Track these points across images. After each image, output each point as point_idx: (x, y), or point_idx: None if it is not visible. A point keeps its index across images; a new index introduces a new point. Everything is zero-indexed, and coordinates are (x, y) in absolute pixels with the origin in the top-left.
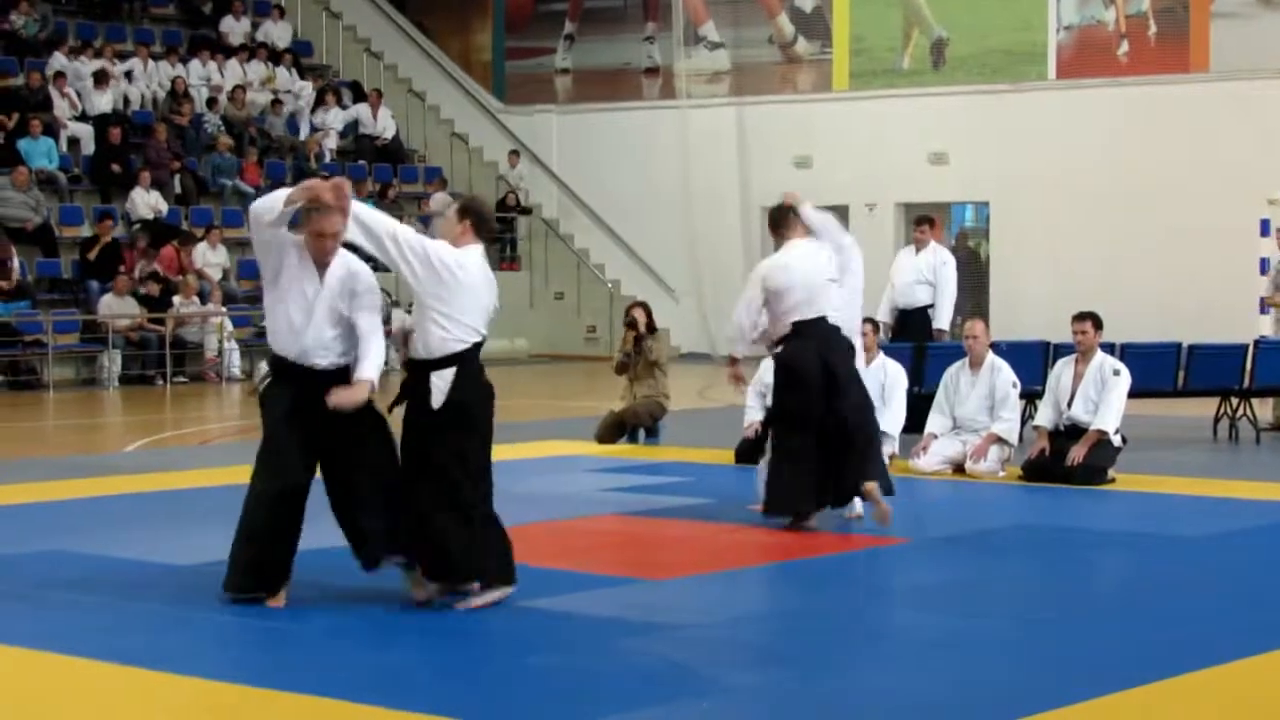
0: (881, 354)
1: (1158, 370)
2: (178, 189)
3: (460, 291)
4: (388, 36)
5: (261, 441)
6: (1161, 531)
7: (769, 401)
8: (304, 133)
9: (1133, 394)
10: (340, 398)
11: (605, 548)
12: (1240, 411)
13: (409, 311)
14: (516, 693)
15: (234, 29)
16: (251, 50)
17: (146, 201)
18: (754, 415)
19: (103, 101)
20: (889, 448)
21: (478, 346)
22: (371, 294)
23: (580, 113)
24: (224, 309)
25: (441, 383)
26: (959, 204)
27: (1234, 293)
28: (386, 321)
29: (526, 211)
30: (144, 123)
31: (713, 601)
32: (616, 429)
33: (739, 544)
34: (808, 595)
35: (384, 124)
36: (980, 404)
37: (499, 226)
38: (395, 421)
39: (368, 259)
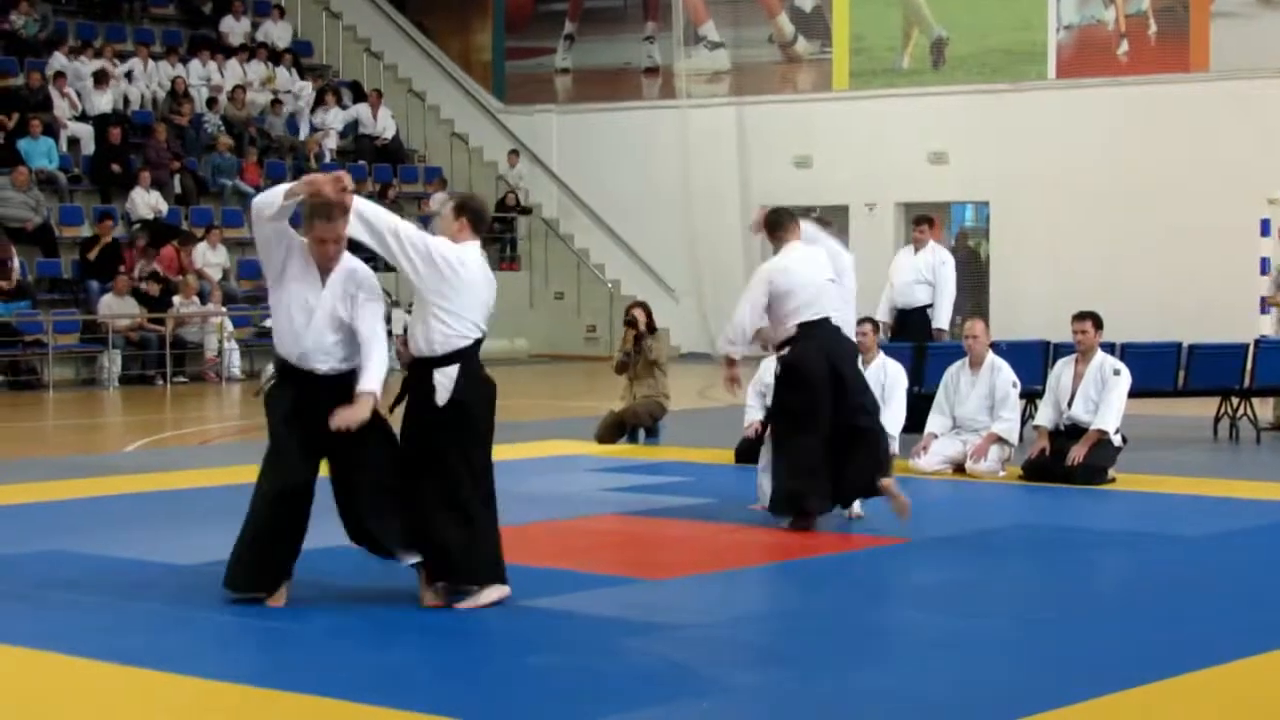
0: (881, 354)
1: (1158, 370)
2: (178, 189)
3: (462, 288)
4: (388, 36)
5: (268, 442)
6: (1162, 531)
7: (769, 401)
8: (304, 133)
9: (1133, 394)
10: (343, 418)
11: (605, 547)
12: (1240, 411)
13: (409, 311)
14: (517, 693)
15: (234, 29)
16: (251, 50)
17: (146, 201)
18: (754, 415)
19: (103, 101)
20: (889, 448)
21: (478, 343)
22: (373, 299)
23: (580, 112)
24: (224, 309)
25: (446, 380)
26: (959, 204)
27: (1234, 292)
28: (387, 321)
29: (526, 211)
30: (144, 123)
31: (713, 601)
32: (617, 429)
33: (739, 544)
34: (808, 595)
35: (384, 124)
36: (980, 404)
37: (500, 226)
38: (394, 421)
39: (370, 256)
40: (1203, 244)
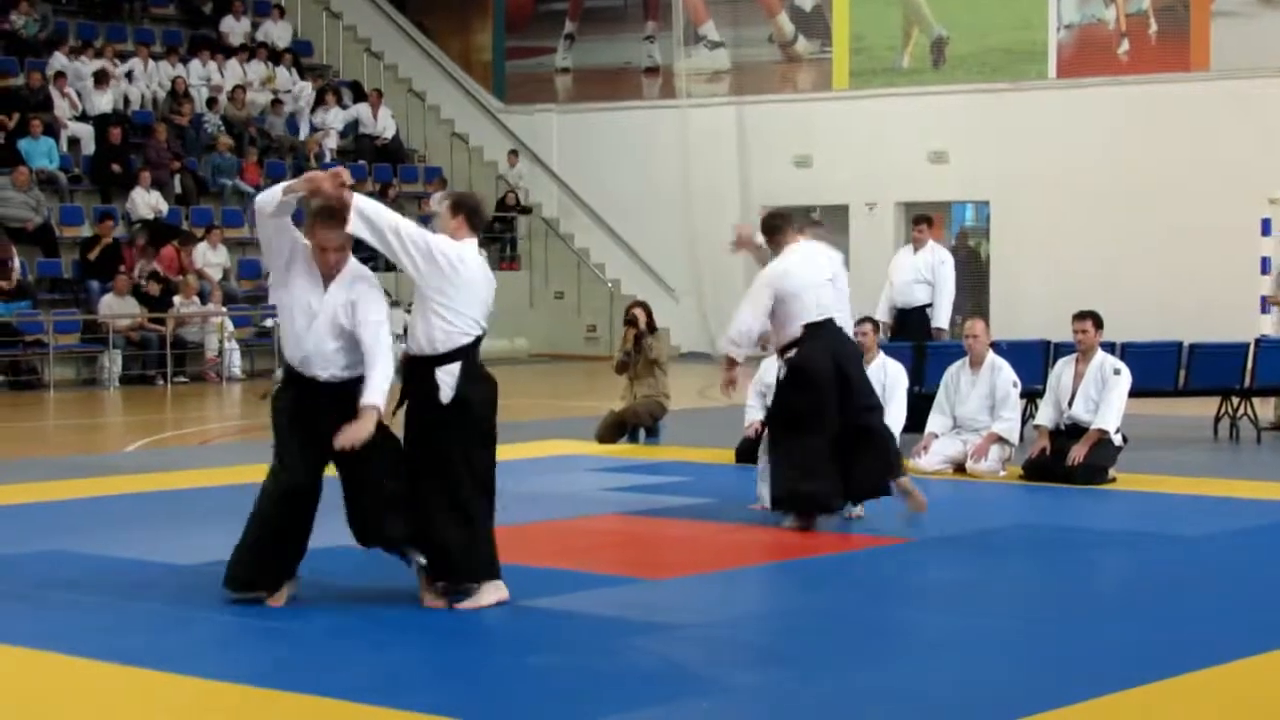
0: (881, 354)
1: (1158, 369)
2: (178, 189)
3: (462, 285)
4: (388, 36)
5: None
6: (1162, 531)
7: (769, 401)
8: (304, 132)
9: (1133, 393)
10: (347, 437)
11: (606, 547)
12: (1241, 411)
13: (409, 311)
14: (517, 693)
15: (234, 29)
16: (251, 50)
17: (147, 201)
18: (754, 415)
19: (103, 101)
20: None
21: (479, 341)
22: (376, 308)
23: (580, 112)
24: (224, 309)
25: (449, 378)
26: (959, 203)
27: (1234, 292)
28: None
29: (526, 211)
30: (144, 123)
31: (713, 601)
32: (617, 428)
33: (739, 544)
34: (808, 595)
35: (384, 124)
36: (981, 403)
37: (500, 226)
38: (396, 423)
39: (370, 255)
40: (1203, 243)
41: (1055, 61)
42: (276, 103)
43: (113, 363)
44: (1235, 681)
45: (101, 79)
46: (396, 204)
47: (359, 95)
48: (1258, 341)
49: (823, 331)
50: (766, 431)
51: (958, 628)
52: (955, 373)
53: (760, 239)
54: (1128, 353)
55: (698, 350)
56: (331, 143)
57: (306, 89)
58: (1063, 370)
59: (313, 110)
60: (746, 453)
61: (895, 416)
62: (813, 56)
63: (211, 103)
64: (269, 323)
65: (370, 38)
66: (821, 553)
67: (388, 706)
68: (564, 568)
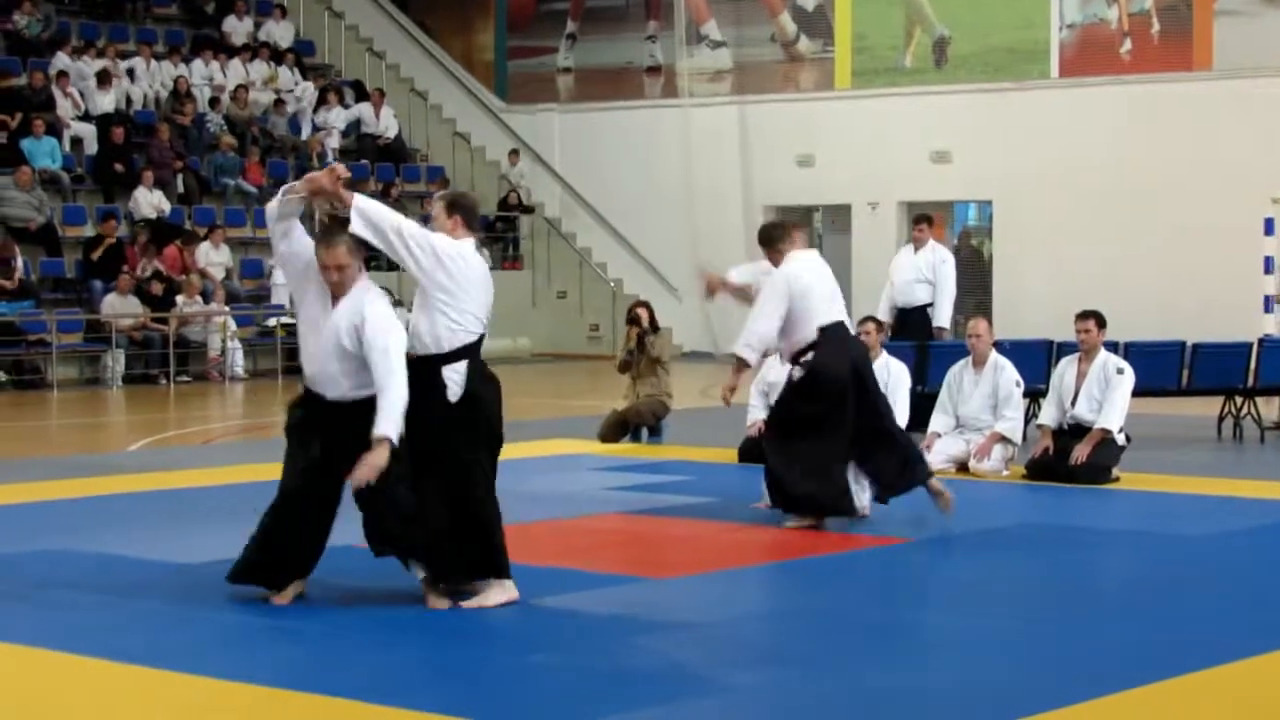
0: (884, 353)
1: (1162, 369)
2: (180, 188)
3: (466, 284)
4: (390, 36)
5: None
6: (1165, 531)
7: (772, 400)
8: (306, 132)
9: (1136, 393)
10: (361, 474)
11: (608, 546)
12: (1244, 410)
13: (409, 310)
14: (519, 692)
15: (236, 29)
16: (254, 50)
17: (149, 201)
18: (757, 414)
19: (105, 101)
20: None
21: (482, 339)
22: (382, 332)
23: (582, 112)
24: (227, 308)
25: (456, 375)
26: (962, 203)
27: (1237, 292)
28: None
29: (529, 210)
30: (147, 122)
31: (715, 600)
32: (620, 428)
33: (742, 543)
34: (810, 594)
35: (386, 123)
36: (983, 403)
37: (502, 225)
38: None
39: (373, 255)
40: (1206, 243)
41: (1058, 61)
42: (279, 102)
43: (115, 362)
44: (1237, 682)
45: (104, 79)
46: (399, 204)
47: (361, 95)
48: (1261, 341)
49: (836, 334)
50: (770, 433)
51: (959, 627)
52: (958, 372)
53: (734, 277)
54: (1131, 352)
55: (700, 350)
56: (334, 142)
57: (309, 89)
58: (1065, 370)
59: (315, 110)
60: (749, 452)
61: (898, 416)
62: (815, 56)
63: (214, 102)
64: (271, 322)
65: (372, 37)
66: (824, 552)
67: (390, 705)
68: (566, 567)
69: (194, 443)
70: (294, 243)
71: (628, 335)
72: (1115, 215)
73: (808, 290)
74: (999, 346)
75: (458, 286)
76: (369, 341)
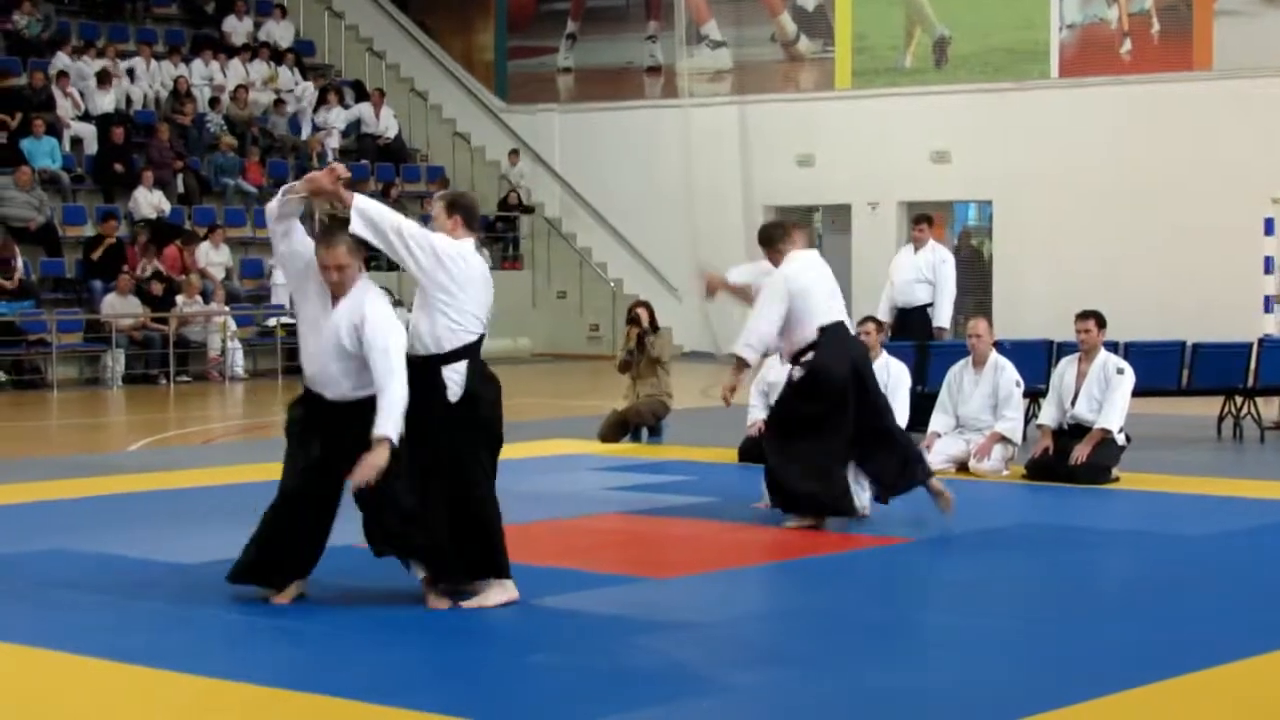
0: (884, 353)
1: (1162, 369)
2: (180, 188)
3: (466, 284)
4: (390, 36)
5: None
6: (1165, 531)
7: (772, 400)
8: (306, 132)
9: (1136, 393)
10: (361, 474)
11: (609, 546)
12: (1244, 410)
13: (409, 310)
14: (519, 692)
15: (236, 29)
16: (254, 50)
17: (149, 201)
18: (757, 414)
19: (105, 101)
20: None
21: (482, 339)
22: (382, 332)
23: (582, 112)
24: (227, 309)
25: (457, 375)
26: (962, 203)
27: (1237, 292)
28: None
29: (529, 210)
30: (147, 122)
31: (716, 600)
32: (620, 428)
33: (742, 543)
34: (810, 594)
35: (386, 123)
36: (983, 403)
37: (502, 225)
38: None
39: (374, 255)
40: (1206, 243)
41: (1057, 61)
42: (279, 102)
43: (116, 362)
44: (1237, 682)
45: (104, 79)
46: (398, 204)
47: (361, 95)
48: (1261, 341)
49: (836, 333)
50: (771, 433)
51: (959, 627)
52: (958, 372)
53: (734, 277)
54: (1131, 352)
55: (700, 349)
56: (334, 142)
57: (309, 89)
58: (1065, 370)
59: (315, 110)
60: (749, 452)
61: (898, 416)
62: (815, 56)
63: (214, 102)
64: (271, 322)
65: (372, 37)
66: (824, 552)
67: (390, 705)
68: (566, 567)
69: (194, 443)
70: (294, 243)
71: (628, 335)
72: (1115, 215)
73: (807, 290)
74: (999, 346)
75: (458, 286)
76: (369, 341)
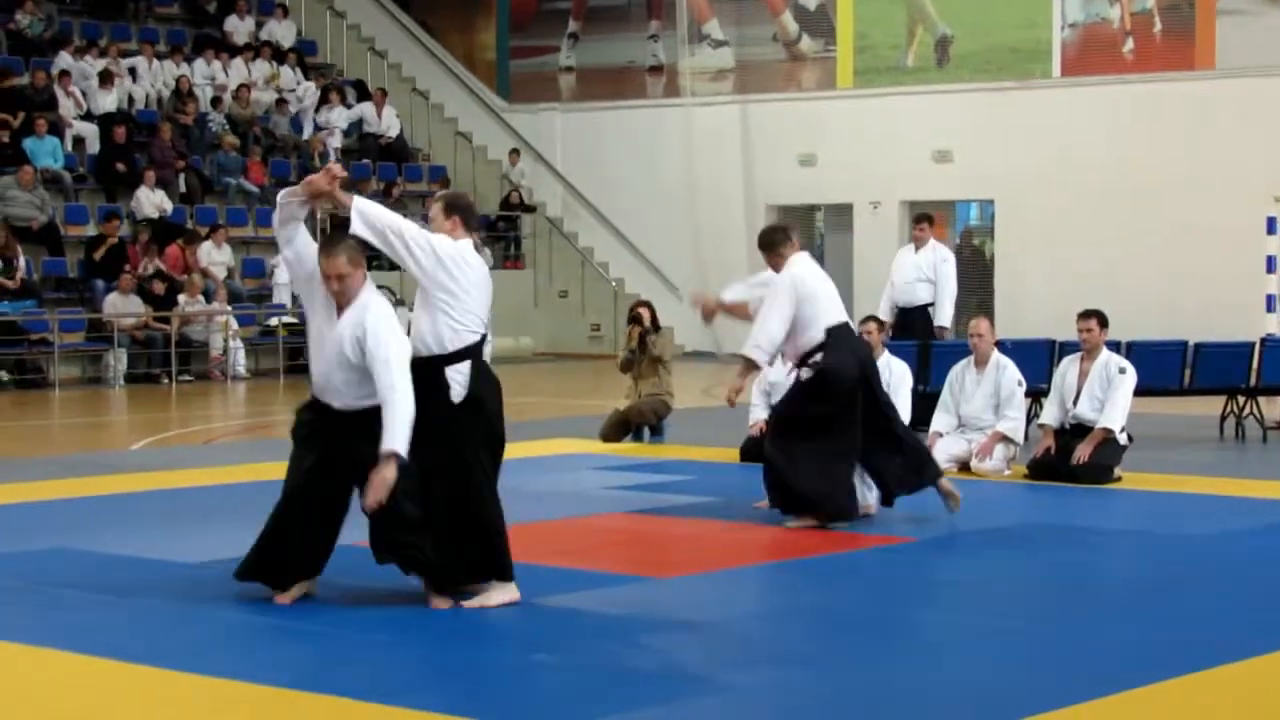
0: (886, 352)
1: (1164, 368)
2: (182, 188)
3: (467, 284)
4: (392, 35)
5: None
6: (1167, 530)
7: (774, 400)
8: (308, 132)
9: (1139, 392)
10: (373, 495)
11: (610, 546)
12: (1247, 410)
13: (411, 309)
14: (521, 691)
15: (238, 28)
16: (256, 49)
17: (151, 200)
18: (759, 414)
19: (108, 101)
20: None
21: (484, 339)
22: (384, 344)
23: (584, 111)
24: (229, 308)
25: (460, 376)
26: (964, 202)
27: (1239, 291)
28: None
29: (530, 210)
30: (149, 122)
31: (717, 600)
32: (621, 427)
33: (744, 542)
34: (813, 594)
35: (388, 123)
36: (985, 402)
37: (504, 225)
38: None
39: (374, 255)
40: (1208, 242)
41: (1060, 60)
42: (281, 102)
43: (118, 361)
44: (1239, 682)
45: (106, 78)
46: (400, 203)
47: (363, 94)
48: (1263, 340)
49: (843, 334)
50: (776, 431)
51: (961, 627)
52: (960, 372)
53: (728, 296)
54: (1133, 351)
55: (702, 349)
56: (336, 142)
57: (311, 88)
58: (1068, 369)
59: (317, 109)
60: (751, 451)
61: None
62: (817, 55)
63: (216, 102)
64: (273, 321)
65: (374, 37)
66: (825, 552)
67: (391, 705)
68: (568, 566)
69: (196, 442)
70: (299, 247)
71: (629, 334)
72: (1117, 214)
73: (815, 294)
74: (1001, 346)
75: (459, 287)
76: (371, 353)
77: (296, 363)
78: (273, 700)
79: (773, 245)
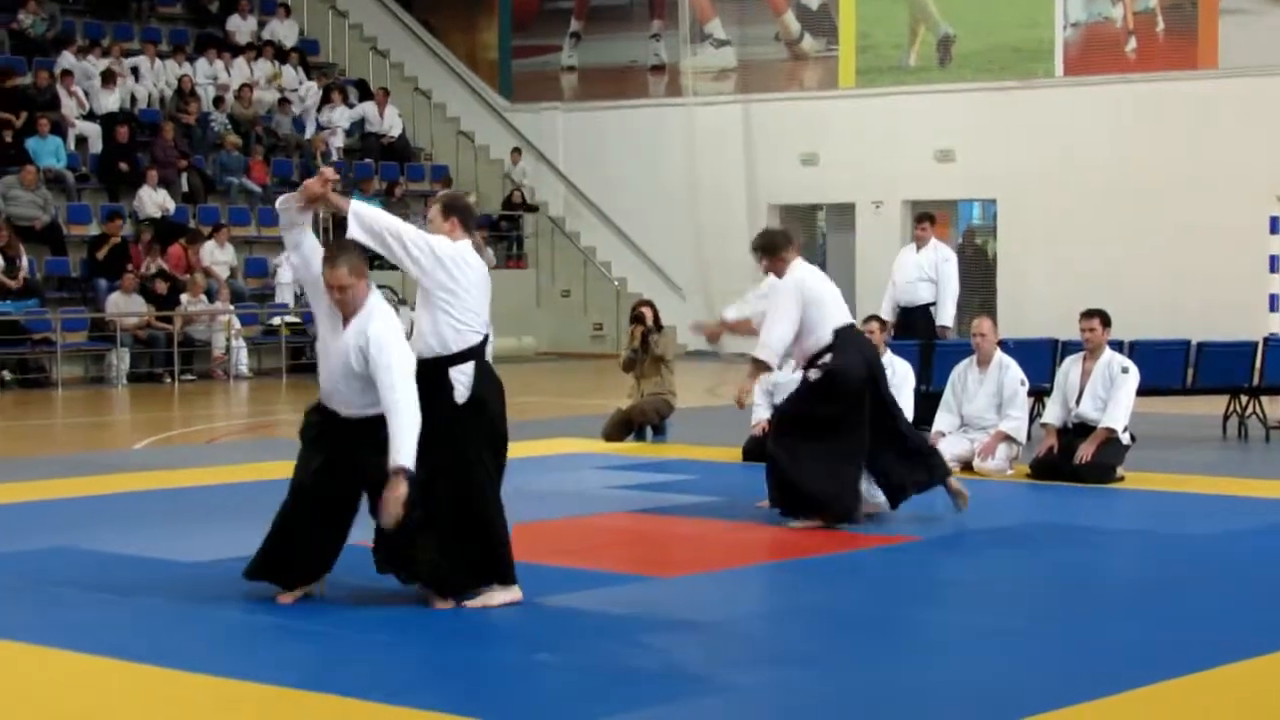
0: (889, 351)
1: (1167, 368)
2: (185, 187)
3: (468, 285)
4: (394, 35)
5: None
6: (1170, 530)
7: (776, 400)
8: (310, 131)
9: (1141, 392)
10: (388, 515)
11: (612, 545)
12: (1250, 409)
13: (412, 309)
14: (523, 690)
15: (240, 28)
16: (258, 49)
17: (154, 200)
18: (762, 414)
19: (110, 100)
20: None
21: (486, 339)
22: (387, 355)
23: (586, 110)
24: (231, 307)
25: (463, 377)
26: (966, 201)
27: (1242, 290)
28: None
29: (533, 209)
30: (151, 121)
31: (720, 599)
32: (624, 427)
33: (746, 542)
34: (815, 593)
35: (390, 122)
36: (988, 402)
37: (506, 224)
38: None
39: (375, 257)
40: (1211, 242)
41: (1062, 59)
42: (283, 101)
43: (120, 361)
44: (1242, 681)
45: (108, 78)
46: (402, 203)
47: (365, 94)
48: (1266, 340)
49: (849, 335)
50: (781, 431)
51: (963, 626)
52: (962, 371)
53: (730, 314)
54: (1136, 351)
55: (704, 348)
56: (338, 141)
57: (313, 88)
58: (1070, 368)
59: (319, 109)
60: (754, 451)
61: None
62: (819, 55)
63: (218, 101)
64: (276, 321)
65: (376, 36)
66: (828, 551)
67: (393, 704)
68: (570, 566)
69: (198, 442)
70: (305, 251)
71: (632, 334)
72: (1120, 214)
73: (820, 297)
74: (1003, 345)
75: (459, 286)
76: (374, 362)
77: (299, 362)
78: (275, 699)
79: (775, 248)
